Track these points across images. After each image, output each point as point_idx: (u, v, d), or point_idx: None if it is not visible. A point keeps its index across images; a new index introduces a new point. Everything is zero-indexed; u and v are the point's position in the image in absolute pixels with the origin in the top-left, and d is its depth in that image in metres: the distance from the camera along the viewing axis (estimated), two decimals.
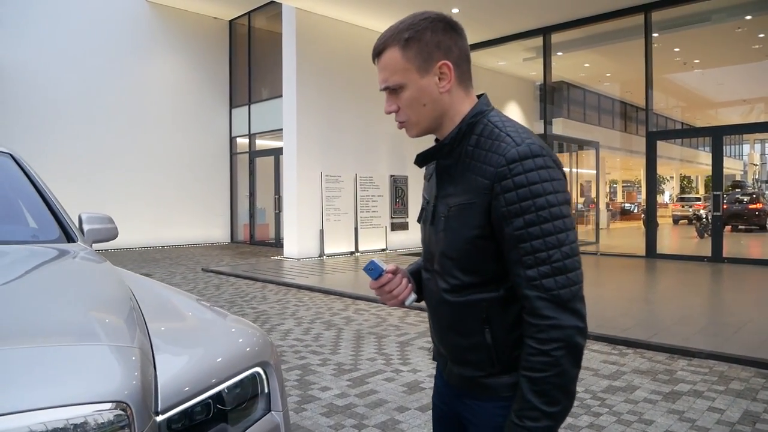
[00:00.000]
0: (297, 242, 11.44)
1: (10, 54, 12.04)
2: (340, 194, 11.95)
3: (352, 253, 12.12)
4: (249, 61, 15.03)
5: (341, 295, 7.64)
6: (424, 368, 4.39)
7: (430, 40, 1.14)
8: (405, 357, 4.71)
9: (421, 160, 1.25)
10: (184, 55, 14.72)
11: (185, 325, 1.52)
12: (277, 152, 13.64)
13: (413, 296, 1.31)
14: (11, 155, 2.56)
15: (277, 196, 13.75)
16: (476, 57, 12.13)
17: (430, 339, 5.12)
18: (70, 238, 2.30)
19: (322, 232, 11.65)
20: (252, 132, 14.87)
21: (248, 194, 15.16)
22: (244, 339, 1.45)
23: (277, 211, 13.91)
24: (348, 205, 12.11)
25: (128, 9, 13.75)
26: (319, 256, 11.63)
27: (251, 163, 15.02)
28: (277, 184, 13.84)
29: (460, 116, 1.19)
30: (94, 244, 2.53)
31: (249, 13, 14.90)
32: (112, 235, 2.66)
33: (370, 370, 4.36)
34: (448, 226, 1.19)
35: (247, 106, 14.98)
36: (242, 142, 15.39)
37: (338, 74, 11.84)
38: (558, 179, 1.10)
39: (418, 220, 1.33)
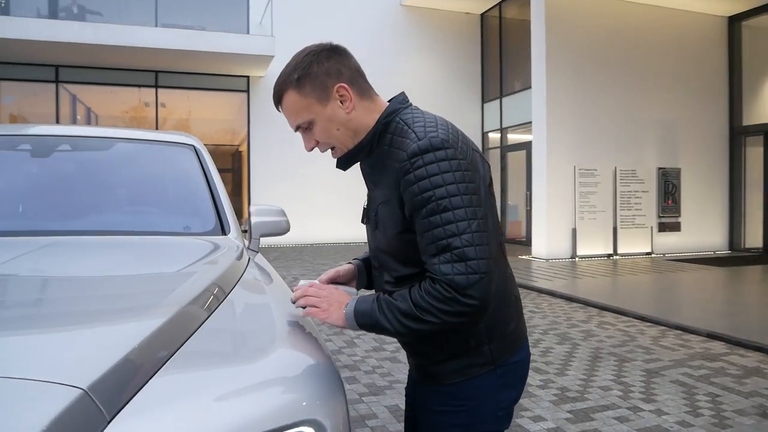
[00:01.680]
0: (546, 242, 10.62)
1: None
2: (595, 190, 10.75)
3: (609, 255, 10.81)
4: (500, 53, 14.59)
5: (586, 303, 6.71)
6: (673, 410, 3.41)
7: (318, 71, 1.22)
8: (650, 391, 3.75)
9: (343, 162, 1.32)
10: (436, 54, 14.94)
11: (231, 350, 1.15)
12: (528, 146, 12.94)
13: (352, 291, 1.34)
14: (194, 147, 2.54)
15: (528, 192, 13.08)
16: None
17: (689, 371, 4.10)
18: (224, 231, 2.15)
19: (574, 231, 10.62)
20: (503, 126, 14.41)
21: (500, 190, 14.75)
22: (295, 385, 1.02)
23: (528, 208, 13.23)
24: (605, 201, 10.84)
25: (382, 14, 14.47)
26: (570, 258, 10.61)
27: (503, 158, 14.58)
28: (528, 180, 13.16)
29: (374, 124, 1.26)
30: (262, 238, 2.39)
31: (500, 3, 14.45)
32: (282, 228, 2.48)
33: (600, 402, 3.56)
34: (378, 225, 1.28)
35: (498, 100, 14.56)
36: (494, 137, 15.04)
37: (593, 56, 10.65)
38: (461, 170, 1.14)
39: (361, 221, 1.38)
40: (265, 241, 13.99)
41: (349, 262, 1.46)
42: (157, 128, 13.79)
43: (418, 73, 14.80)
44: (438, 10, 14.85)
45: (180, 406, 0.88)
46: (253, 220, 2.40)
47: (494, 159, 14.99)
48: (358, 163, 1.34)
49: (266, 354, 1.09)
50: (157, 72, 13.26)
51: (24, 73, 12.66)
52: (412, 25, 14.72)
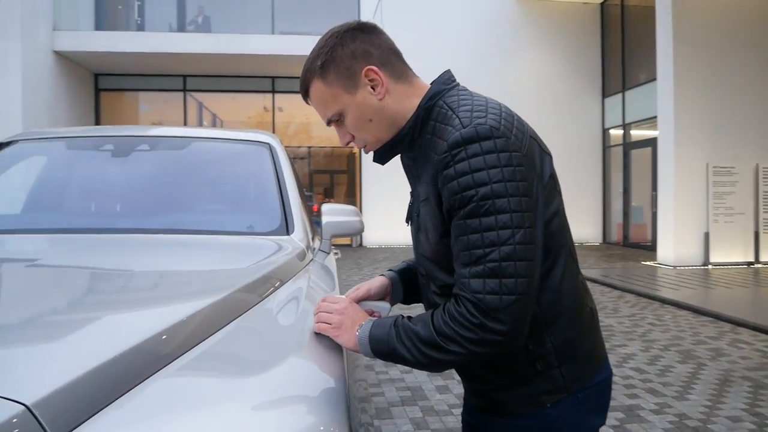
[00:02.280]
0: (673, 246, 9.69)
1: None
2: (733, 189, 9.65)
3: (750, 264, 9.65)
4: (623, 43, 13.57)
5: (717, 317, 5.96)
6: None
7: (342, 55, 1.06)
8: None
9: (380, 155, 1.14)
10: (552, 47, 14.22)
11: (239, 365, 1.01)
12: (653, 143, 11.92)
13: (385, 307, 1.21)
14: (269, 145, 2.48)
15: (653, 193, 12.05)
16: None
17: None
18: (288, 231, 2.06)
19: (707, 235, 9.60)
20: (626, 122, 13.40)
21: (622, 191, 13.74)
22: (282, 414, 0.86)
23: (653, 210, 12.19)
24: (745, 203, 9.70)
25: (495, 8, 14.01)
26: (702, 265, 9.60)
27: (625, 156, 13.57)
28: (654, 179, 12.12)
29: (413, 110, 1.08)
30: (334, 238, 2.28)
31: None
32: (355, 229, 2.35)
33: None
34: (420, 227, 1.11)
35: (620, 94, 13.56)
36: (615, 133, 14.04)
37: (728, 39, 9.54)
38: (512, 166, 0.96)
39: (405, 221, 1.21)
40: (375, 241, 14.13)
41: (382, 274, 1.29)
42: (273, 131, 14.39)
43: (533, 70, 14.18)
44: (554, 1, 14.14)
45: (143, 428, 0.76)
46: (324, 219, 2.29)
47: (616, 157, 14.02)
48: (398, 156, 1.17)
49: (265, 371, 0.94)
50: (273, 78, 13.82)
51: (157, 83, 13.73)
52: (526, 19, 14.13)
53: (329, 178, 16.15)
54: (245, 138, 2.52)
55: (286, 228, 2.07)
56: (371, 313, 1.18)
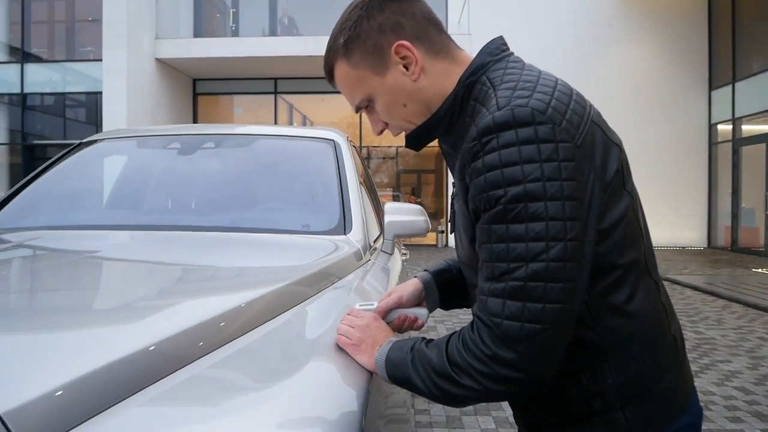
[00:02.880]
0: None
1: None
2: None
3: None
4: (733, 29, 12.47)
5: None
6: None
7: (369, 29, 0.91)
8: None
9: (413, 140, 0.99)
10: (652, 36, 13.33)
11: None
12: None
13: (423, 314, 1.08)
14: (333, 142, 2.43)
15: (767, 194, 11.01)
16: None
17: None
18: (345, 230, 1.98)
19: None
20: (736, 116, 12.32)
21: (731, 191, 12.66)
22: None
23: (767, 212, 11.14)
24: None
25: (593, 1, 13.35)
26: None
27: (735, 153, 12.48)
28: None
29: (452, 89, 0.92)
30: (405, 238, 2.20)
31: None
32: (420, 229, 2.24)
33: None
34: (456, 228, 0.98)
35: (730, 86, 12.49)
36: (724, 128, 12.95)
37: None
38: (556, 160, 0.78)
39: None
40: None
41: (416, 276, 1.16)
42: (361, 132, 14.53)
43: (630, 61, 13.38)
44: None
45: None
46: (386, 219, 2.20)
47: (724, 155, 12.94)
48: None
49: (275, 382, 0.85)
50: None
51: (250, 87, 14.26)
52: (623, 6, 13.35)
53: (416, 178, 16.11)
54: (310, 135, 2.48)
55: (344, 227, 2.00)
56: (412, 322, 1.08)
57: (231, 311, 1.03)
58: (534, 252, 0.77)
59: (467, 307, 1.12)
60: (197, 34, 13.40)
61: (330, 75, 0.98)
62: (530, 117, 0.78)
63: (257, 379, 0.88)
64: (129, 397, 0.71)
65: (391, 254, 2.24)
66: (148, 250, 1.66)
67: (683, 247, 13.32)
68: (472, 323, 0.84)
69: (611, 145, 0.88)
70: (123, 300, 1.10)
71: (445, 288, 1.13)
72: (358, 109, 0.99)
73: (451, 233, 1.02)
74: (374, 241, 2.23)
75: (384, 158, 16.01)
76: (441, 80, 0.93)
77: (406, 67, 0.91)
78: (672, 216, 13.20)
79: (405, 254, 3.11)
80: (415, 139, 0.99)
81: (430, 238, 14.16)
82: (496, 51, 0.93)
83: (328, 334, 1.08)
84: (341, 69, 0.95)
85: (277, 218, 2.03)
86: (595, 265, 0.83)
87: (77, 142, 2.42)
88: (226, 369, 0.89)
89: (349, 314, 1.02)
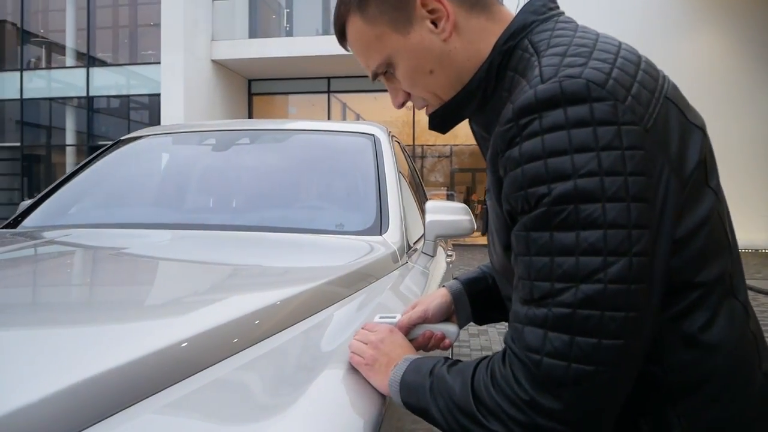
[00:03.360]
0: None
1: None
2: None
3: None
4: None
5: None
6: None
7: None
8: None
9: (438, 121, 0.81)
10: (726, 22, 12.59)
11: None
12: None
13: (452, 331, 0.90)
14: (373, 137, 2.30)
15: None
16: None
17: None
18: (381, 231, 1.85)
19: None
20: None
21: None
22: None
23: None
24: None
25: None
26: None
27: None
28: None
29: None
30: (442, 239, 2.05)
31: None
32: (463, 229, 2.08)
33: None
34: (490, 231, 0.80)
35: None
36: None
37: None
38: (620, 149, 0.60)
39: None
40: None
41: (444, 286, 1.00)
42: (414, 130, 14.39)
43: (702, 49, 12.68)
44: None
45: None
46: (427, 218, 2.05)
47: None
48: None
49: (274, 406, 0.72)
50: None
51: (303, 86, 14.36)
52: None
53: (471, 177, 15.85)
54: (349, 130, 2.36)
55: (380, 227, 1.87)
56: (439, 340, 0.92)
57: (240, 319, 0.91)
58: (587, 269, 0.59)
59: (506, 320, 0.97)
60: (252, 35, 13.58)
61: (341, 34, 0.81)
62: (584, 91, 0.61)
63: (258, 398, 0.76)
64: (141, 400, 0.65)
65: (432, 256, 2.09)
66: (172, 250, 1.60)
67: (754, 249, 12.52)
68: (503, 353, 0.66)
69: (692, 129, 0.69)
70: (143, 300, 1.06)
71: (479, 300, 0.97)
72: (375, 76, 0.81)
73: (483, 235, 0.86)
74: (414, 243, 2.09)
75: (439, 157, 15.83)
76: (476, 42, 0.74)
77: (434, 23, 0.74)
78: (741, 216, 12.39)
79: (450, 256, 2.95)
80: (441, 119, 0.80)
81: (483, 239, 13.86)
82: (542, 9, 0.74)
83: (343, 349, 0.95)
84: (354, 26, 0.78)
85: (310, 217, 1.91)
86: (665, 284, 0.64)
87: (114, 140, 2.39)
88: (229, 383, 0.78)
89: (363, 328, 0.88)
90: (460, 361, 0.74)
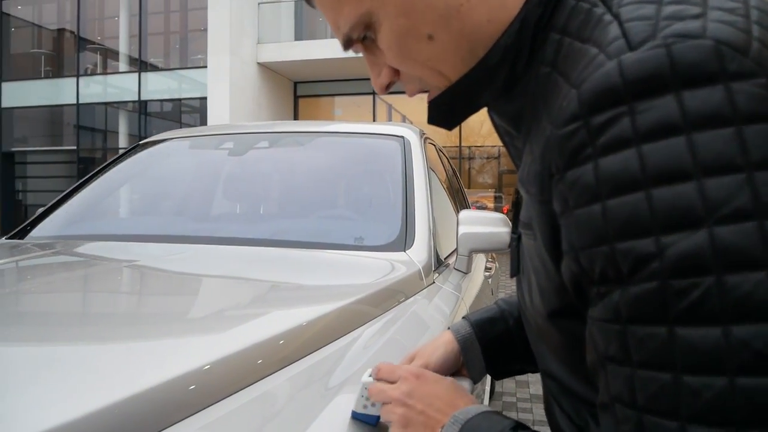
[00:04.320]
0: None
1: None
2: None
3: None
4: None
5: None
6: None
7: None
8: None
9: (441, 112, 0.56)
10: None
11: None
12: None
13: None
14: (403, 139, 2.09)
15: None
16: None
17: None
18: (405, 246, 1.64)
19: None
20: None
21: None
22: None
23: None
24: None
25: None
26: None
27: None
28: None
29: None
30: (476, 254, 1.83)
31: None
32: (501, 243, 1.84)
33: None
34: (525, 272, 0.55)
35: None
36: None
37: None
38: None
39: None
40: None
41: (450, 329, 0.77)
42: (460, 131, 14.09)
43: None
44: None
45: None
46: (461, 230, 1.82)
47: None
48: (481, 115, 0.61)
49: None
50: None
51: (348, 88, 14.28)
52: None
53: None
54: (376, 132, 2.15)
55: (404, 242, 1.66)
56: None
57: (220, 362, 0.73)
58: (716, 358, 0.35)
59: (530, 372, 0.74)
60: (298, 37, 13.59)
61: None
62: (713, 60, 0.36)
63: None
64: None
65: (466, 273, 1.87)
66: (179, 266, 1.42)
67: None
68: None
69: None
70: (155, 320, 0.97)
71: (494, 347, 0.74)
72: (348, 43, 0.55)
73: (512, 277, 0.61)
74: (447, 257, 1.87)
75: (487, 158, 15.48)
76: None
77: None
78: None
79: (490, 270, 2.70)
80: (447, 109, 0.55)
81: None
82: None
83: (342, 396, 0.74)
84: None
85: (325, 230, 1.72)
86: None
87: (133, 144, 2.27)
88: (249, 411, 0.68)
89: (378, 376, 0.65)
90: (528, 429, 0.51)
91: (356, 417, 0.67)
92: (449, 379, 0.65)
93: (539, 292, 0.51)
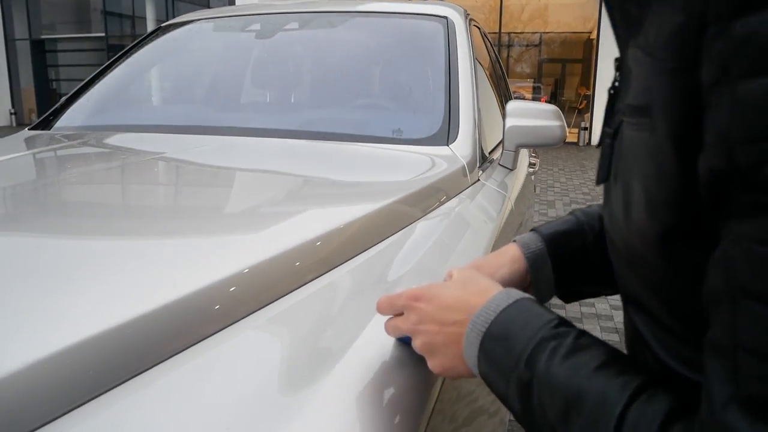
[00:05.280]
0: None
1: None
2: None
3: None
4: None
5: None
6: None
7: None
8: None
9: None
10: None
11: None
12: None
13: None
14: (447, 20, 1.88)
15: None
16: None
17: None
18: (448, 140, 1.50)
19: None
20: None
21: None
22: None
23: None
24: None
25: None
26: None
27: None
28: None
29: None
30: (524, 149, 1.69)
31: None
32: (554, 137, 1.69)
33: None
34: (617, 176, 0.42)
35: None
36: None
37: None
38: None
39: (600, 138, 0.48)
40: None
41: (515, 242, 0.65)
42: (501, 16, 13.29)
43: None
44: None
45: None
46: (508, 123, 1.67)
47: None
48: None
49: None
50: None
51: None
52: None
53: (561, 68, 14.79)
54: (417, 12, 1.94)
55: (447, 135, 1.52)
56: None
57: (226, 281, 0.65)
58: None
59: (607, 295, 0.64)
60: None
61: None
62: None
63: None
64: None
65: (512, 169, 1.74)
66: (199, 162, 1.33)
67: None
68: None
69: None
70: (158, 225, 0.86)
71: (569, 265, 0.63)
72: None
73: (600, 183, 0.47)
74: (491, 152, 1.73)
75: (527, 46, 14.70)
76: None
77: None
78: None
79: (533, 165, 2.55)
80: None
81: (570, 135, 13.06)
82: None
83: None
84: None
85: (361, 120, 1.58)
86: None
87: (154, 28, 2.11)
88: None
89: (380, 311, 0.58)
90: (586, 334, 0.43)
91: (400, 340, 0.60)
92: (453, 273, 0.56)
93: (645, 203, 0.39)
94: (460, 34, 1.83)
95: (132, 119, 1.76)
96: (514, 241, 0.65)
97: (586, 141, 12.65)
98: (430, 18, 1.88)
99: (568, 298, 0.65)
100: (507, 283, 0.59)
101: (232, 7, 2.12)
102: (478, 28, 2.36)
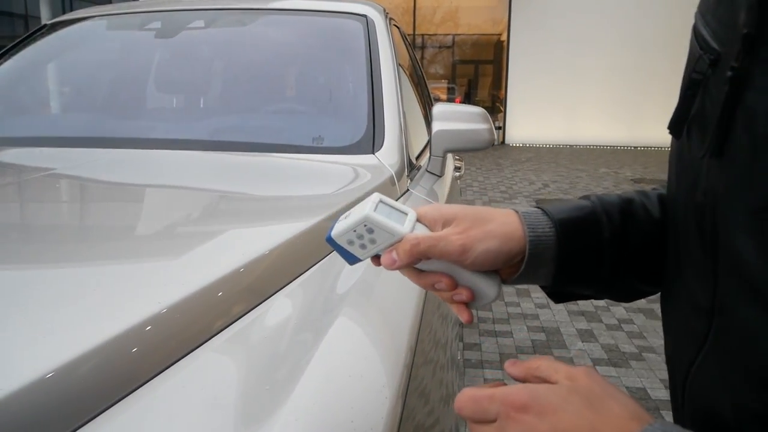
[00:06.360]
0: None
1: None
2: None
3: None
4: None
5: None
6: None
7: None
8: None
9: None
10: None
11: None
12: None
13: (488, 293, 0.49)
14: (366, 19, 1.77)
15: None
16: None
17: None
18: (374, 147, 1.39)
19: None
20: None
21: None
22: None
23: None
24: None
25: None
26: None
27: None
28: None
29: None
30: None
31: None
32: (481, 141, 1.62)
33: None
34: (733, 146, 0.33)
35: None
36: None
37: None
38: None
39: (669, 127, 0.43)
40: (518, 138, 13.25)
41: (517, 212, 0.51)
42: (415, 18, 13.40)
43: None
44: None
45: None
46: (435, 127, 1.59)
47: None
48: None
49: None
50: None
51: None
52: None
53: (474, 69, 15.11)
54: (334, 9, 1.82)
55: (372, 143, 1.41)
56: (459, 300, 0.49)
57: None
58: None
59: (602, 299, 0.54)
60: None
61: None
62: None
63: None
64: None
65: (440, 176, 1.66)
66: (104, 176, 1.15)
67: None
68: None
69: None
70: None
71: (574, 261, 0.50)
72: None
73: (709, 156, 0.37)
74: (417, 158, 1.64)
75: (440, 47, 14.91)
76: None
77: None
78: None
79: (458, 169, 2.50)
80: None
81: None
82: None
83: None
84: None
85: (277, 128, 1.44)
86: None
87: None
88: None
89: (461, 410, 0.41)
90: None
91: (330, 242, 0.50)
92: (570, 372, 0.39)
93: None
94: (381, 34, 1.73)
95: (12, 131, 1.53)
96: (516, 211, 0.52)
97: (500, 140, 13.01)
98: (348, 16, 1.77)
99: (557, 298, 0.54)
100: (491, 261, 0.48)
101: (129, 2, 1.91)
102: (398, 27, 2.27)
